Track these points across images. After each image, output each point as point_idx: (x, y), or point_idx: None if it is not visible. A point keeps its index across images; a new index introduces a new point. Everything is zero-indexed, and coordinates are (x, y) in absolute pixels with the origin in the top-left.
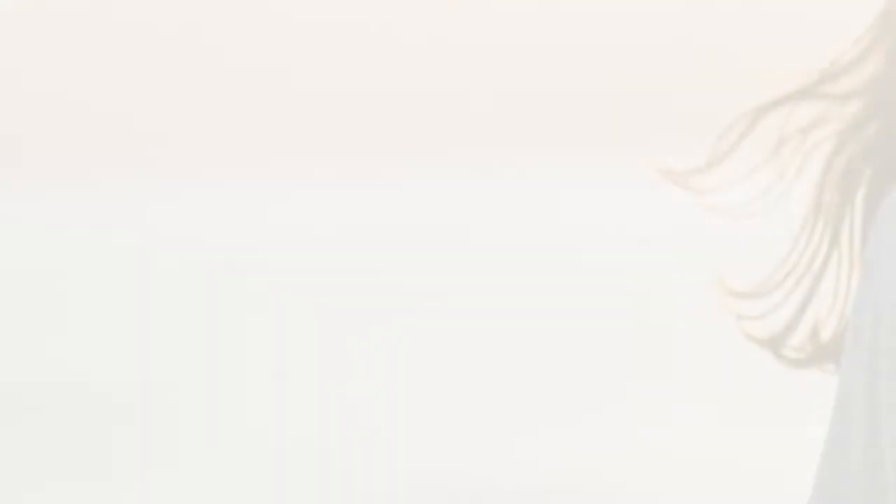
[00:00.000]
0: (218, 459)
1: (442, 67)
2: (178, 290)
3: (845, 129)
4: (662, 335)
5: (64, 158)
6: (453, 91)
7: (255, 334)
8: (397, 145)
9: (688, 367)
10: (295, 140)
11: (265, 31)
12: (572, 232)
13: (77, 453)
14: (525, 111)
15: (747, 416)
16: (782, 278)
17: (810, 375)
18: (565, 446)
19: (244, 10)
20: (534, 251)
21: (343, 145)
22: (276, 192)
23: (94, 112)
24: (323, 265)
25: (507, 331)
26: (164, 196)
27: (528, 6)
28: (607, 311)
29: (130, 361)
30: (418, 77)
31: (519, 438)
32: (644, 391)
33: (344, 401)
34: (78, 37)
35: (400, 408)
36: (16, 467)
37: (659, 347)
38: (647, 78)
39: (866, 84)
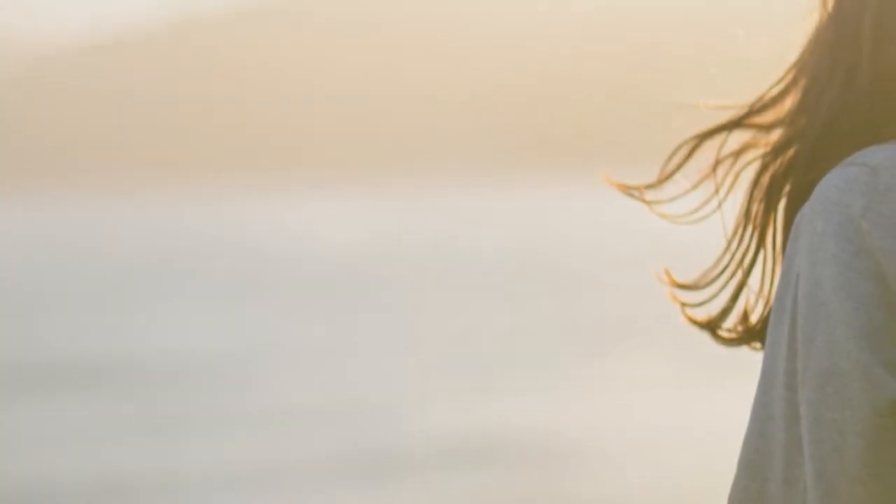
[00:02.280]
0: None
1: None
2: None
3: (769, 153)
4: (622, 319)
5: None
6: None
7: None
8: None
9: (642, 344)
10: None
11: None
12: (553, 235)
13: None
14: (518, 141)
15: (690, 385)
16: (718, 273)
17: (744, 351)
18: (554, 407)
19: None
20: (524, 251)
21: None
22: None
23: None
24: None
25: (504, 314)
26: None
27: (509, 39)
28: (578, 298)
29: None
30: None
31: (512, 402)
32: (606, 364)
33: (356, 374)
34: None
35: (414, 377)
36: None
37: (619, 329)
38: (615, 118)
39: (786, 117)
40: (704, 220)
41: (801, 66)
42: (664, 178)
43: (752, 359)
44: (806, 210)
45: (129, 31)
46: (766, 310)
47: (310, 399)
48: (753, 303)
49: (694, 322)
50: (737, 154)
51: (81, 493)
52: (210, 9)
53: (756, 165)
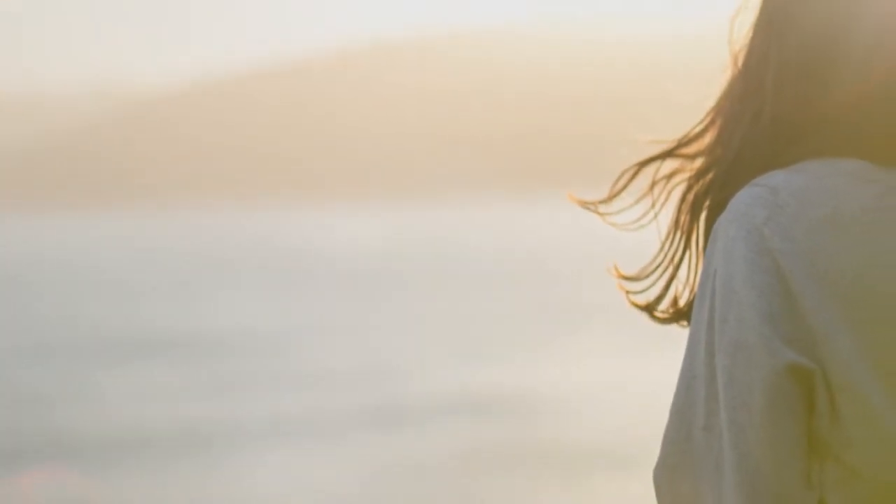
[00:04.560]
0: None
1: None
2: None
3: (693, 177)
4: (585, 303)
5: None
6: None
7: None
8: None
9: (600, 322)
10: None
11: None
12: (533, 238)
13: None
14: (504, 164)
15: (635, 353)
16: (654, 268)
17: (674, 328)
18: (533, 370)
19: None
20: (511, 251)
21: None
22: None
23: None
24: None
25: (494, 300)
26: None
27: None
28: (551, 287)
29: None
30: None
31: (500, 367)
32: (574, 337)
33: (378, 348)
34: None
35: (422, 348)
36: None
37: (583, 310)
38: (579, 149)
39: (706, 149)
40: (644, 227)
41: (717, 110)
42: (613, 196)
43: (680, 334)
44: (721, 220)
45: (212, 81)
46: (691, 296)
47: (341, 365)
48: (682, 290)
49: (636, 305)
50: (668, 177)
51: (164, 438)
52: (264, 66)
53: (683, 186)
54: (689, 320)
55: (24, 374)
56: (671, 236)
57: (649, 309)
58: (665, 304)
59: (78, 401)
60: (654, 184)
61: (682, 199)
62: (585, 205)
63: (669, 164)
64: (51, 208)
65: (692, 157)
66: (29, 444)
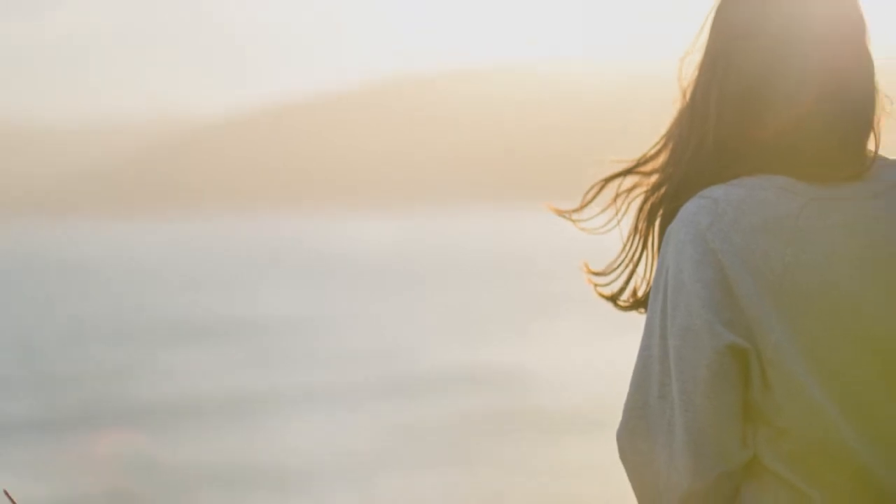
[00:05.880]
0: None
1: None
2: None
3: (649, 190)
4: (563, 294)
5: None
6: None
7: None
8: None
9: (574, 311)
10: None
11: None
12: (520, 242)
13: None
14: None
15: (602, 336)
16: (617, 265)
17: (634, 314)
18: (521, 349)
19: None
20: (501, 252)
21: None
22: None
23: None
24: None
25: (488, 293)
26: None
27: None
28: (535, 281)
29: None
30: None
31: (492, 346)
32: (555, 322)
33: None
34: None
35: (426, 331)
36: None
37: (562, 301)
38: (557, 167)
39: (660, 167)
40: (609, 231)
41: (669, 136)
42: (583, 206)
43: (639, 319)
44: (672, 226)
45: (256, 110)
46: (648, 288)
47: (361, 345)
48: (640, 284)
49: (602, 296)
50: (629, 191)
51: (215, 405)
52: (301, 98)
53: (641, 198)
54: (646, 308)
55: (100, 352)
56: (631, 239)
57: (613, 299)
58: (626, 294)
59: (145, 374)
60: (617, 196)
61: (640, 209)
62: (561, 213)
63: (630, 180)
64: (123, 216)
65: (649, 174)
66: (104, 409)
